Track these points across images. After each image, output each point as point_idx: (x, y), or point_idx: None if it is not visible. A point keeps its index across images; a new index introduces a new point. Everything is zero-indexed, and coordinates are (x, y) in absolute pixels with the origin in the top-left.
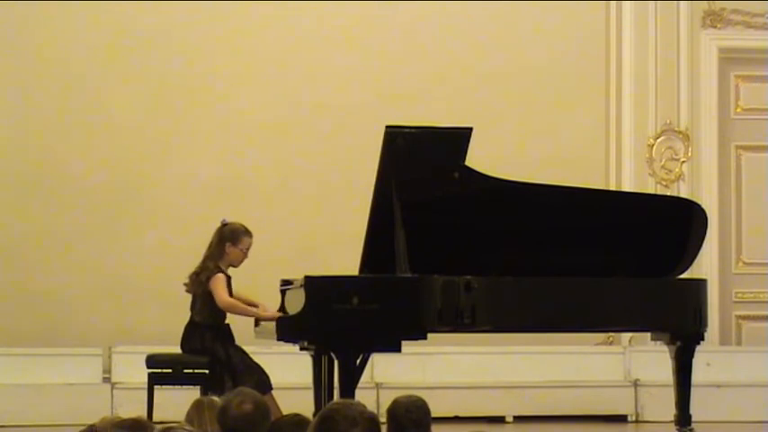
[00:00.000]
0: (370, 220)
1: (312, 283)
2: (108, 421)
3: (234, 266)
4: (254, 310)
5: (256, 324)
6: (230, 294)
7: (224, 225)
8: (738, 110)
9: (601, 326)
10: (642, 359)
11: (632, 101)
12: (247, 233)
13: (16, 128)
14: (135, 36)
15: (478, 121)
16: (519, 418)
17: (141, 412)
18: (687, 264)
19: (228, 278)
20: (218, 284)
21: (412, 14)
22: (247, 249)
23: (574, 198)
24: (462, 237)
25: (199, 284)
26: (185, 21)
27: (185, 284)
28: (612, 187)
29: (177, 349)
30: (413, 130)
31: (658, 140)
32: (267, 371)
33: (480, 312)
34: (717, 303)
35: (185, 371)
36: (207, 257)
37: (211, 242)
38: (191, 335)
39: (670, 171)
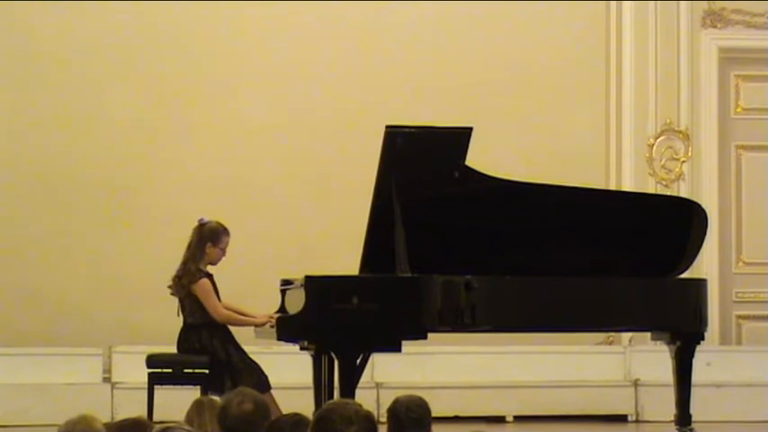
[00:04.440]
0: (370, 220)
1: (312, 283)
2: (72, 423)
3: (212, 265)
4: (249, 319)
5: (256, 324)
6: (218, 296)
7: (202, 225)
8: (738, 110)
9: (601, 325)
10: (642, 359)
11: (632, 101)
12: (226, 232)
13: (16, 128)
14: (135, 36)
15: (478, 120)
16: (519, 418)
17: (141, 412)
18: (687, 263)
19: (211, 277)
20: (208, 295)
21: (412, 15)
22: (226, 247)
23: (574, 198)
24: (462, 236)
25: (182, 288)
26: (186, 21)
27: (169, 287)
28: (612, 187)
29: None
30: (413, 130)
31: (658, 140)
32: (267, 371)
33: (480, 312)
34: (717, 303)
35: (185, 371)
36: (187, 259)
37: (190, 242)
38: (187, 336)
39: (670, 171)
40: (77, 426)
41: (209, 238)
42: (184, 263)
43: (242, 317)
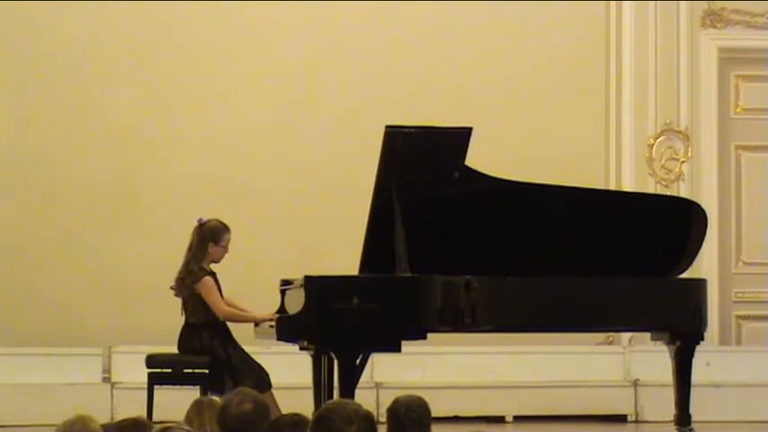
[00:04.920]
0: (369, 220)
1: (312, 283)
2: (69, 424)
3: (215, 263)
4: (251, 315)
5: (256, 324)
6: (221, 294)
7: (202, 224)
8: (738, 110)
9: (601, 325)
10: (642, 359)
11: (632, 101)
12: (227, 229)
13: (16, 128)
14: (135, 36)
15: (478, 120)
16: (519, 418)
17: (141, 412)
18: (687, 263)
19: (214, 275)
20: (210, 292)
21: (412, 15)
22: (228, 245)
23: (574, 198)
24: (462, 236)
25: (185, 289)
26: (185, 21)
27: (172, 287)
28: (612, 187)
29: (176, 350)
30: (413, 130)
31: (658, 140)
32: (267, 371)
33: (480, 312)
34: (717, 303)
35: (185, 371)
36: (190, 260)
37: (192, 243)
38: (188, 336)
39: (670, 171)
40: (74, 426)
41: (210, 238)
42: (186, 263)
43: (244, 313)
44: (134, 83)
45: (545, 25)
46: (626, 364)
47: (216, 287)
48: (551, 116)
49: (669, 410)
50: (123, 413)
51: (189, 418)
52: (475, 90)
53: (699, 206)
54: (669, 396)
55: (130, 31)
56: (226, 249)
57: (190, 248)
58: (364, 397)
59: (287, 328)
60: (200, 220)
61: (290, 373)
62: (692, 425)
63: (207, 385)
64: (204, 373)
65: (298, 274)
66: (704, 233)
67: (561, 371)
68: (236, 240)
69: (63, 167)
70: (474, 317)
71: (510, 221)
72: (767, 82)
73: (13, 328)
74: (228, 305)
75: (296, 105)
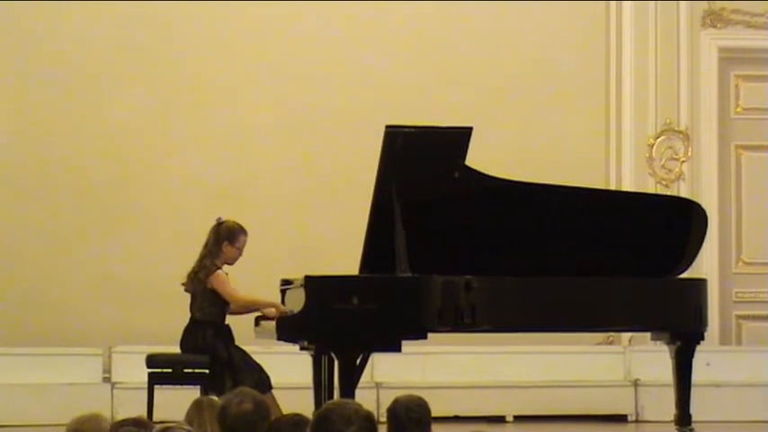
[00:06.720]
0: (370, 220)
1: (312, 283)
2: (81, 421)
3: (229, 264)
4: (269, 301)
5: (256, 324)
6: None
7: (220, 223)
8: (738, 110)
9: (601, 326)
10: (642, 359)
11: (632, 101)
12: (243, 231)
13: (16, 127)
14: (135, 36)
15: (478, 120)
16: (519, 418)
17: (141, 412)
18: (687, 263)
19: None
20: (224, 284)
21: (412, 14)
22: (243, 247)
23: (574, 198)
24: (462, 236)
25: (198, 283)
26: (186, 21)
27: (183, 284)
28: (612, 187)
29: (177, 349)
30: (413, 130)
31: (658, 140)
32: (267, 371)
33: (480, 312)
34: (717, 303)
35: (185, 371)
36: (204, 256)
37: (208, 240)
38: (192, 333)
39: (670, 171)
40: (86, 424)
41: (225, 237)
42: (201, 259)
43: (262, 298)
44: (134, 83)
45: (545, 25)
46: (626, 364)
47: (228, 281)
48: (551, 116)
49: (669, 410)
50: (123, 413)
51: (189, 418)
52: (475, 90)
53: (699, 206)
54: (669, 396)
55: (130, 31)
56: (240, 252)
57: (205, 246)
58: (364, 397)
59: (287, 328)
60: (218, 219)
61: (290, 373)
62: (693, 425)
63: (207, 385)
64: (204, 373)
65: (298, 274)
66: (704, 233)
67: (561, 371)
68: None
69: (63, 167)
70: (474, 317)
71: (510, 221)
72: (767, 82)
73: (12, 328)
74: None
75: (296, 105)
